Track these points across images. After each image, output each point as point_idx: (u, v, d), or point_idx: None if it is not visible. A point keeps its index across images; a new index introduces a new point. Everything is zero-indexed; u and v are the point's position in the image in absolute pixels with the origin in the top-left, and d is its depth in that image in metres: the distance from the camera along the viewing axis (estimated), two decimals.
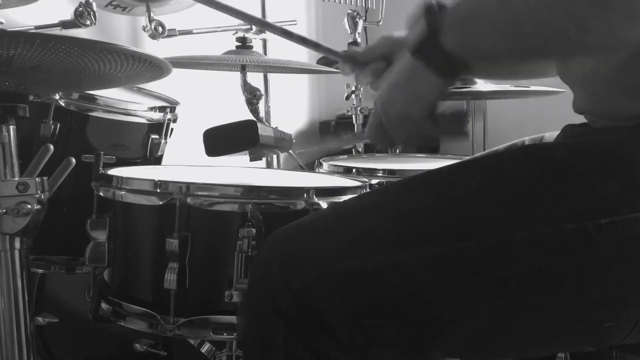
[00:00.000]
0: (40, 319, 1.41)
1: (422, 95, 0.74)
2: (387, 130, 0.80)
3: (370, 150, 2.34)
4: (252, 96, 1.76)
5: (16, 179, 0.93)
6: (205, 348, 1.31)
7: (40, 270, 1.42)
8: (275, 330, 0.68)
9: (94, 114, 1.36)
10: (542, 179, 0.68)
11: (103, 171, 1.14)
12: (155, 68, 0.89)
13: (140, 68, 0.87)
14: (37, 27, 1.51)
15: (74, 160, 1.04)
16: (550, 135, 0.99)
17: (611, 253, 0.64)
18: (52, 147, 1.03)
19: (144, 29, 1.76)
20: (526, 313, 0.67)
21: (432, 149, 2.94)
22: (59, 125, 1.30)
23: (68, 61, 0.81)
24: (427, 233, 0.66)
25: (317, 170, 1.53)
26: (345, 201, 0.79)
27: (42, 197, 0.94)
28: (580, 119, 0.87)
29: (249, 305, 0.75)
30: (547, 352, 0.81)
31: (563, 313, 0.67)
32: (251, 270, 0.86)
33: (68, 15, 1.51)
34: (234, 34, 1.81)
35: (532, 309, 0.67)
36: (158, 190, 1.04)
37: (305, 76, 3.19)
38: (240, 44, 1.75)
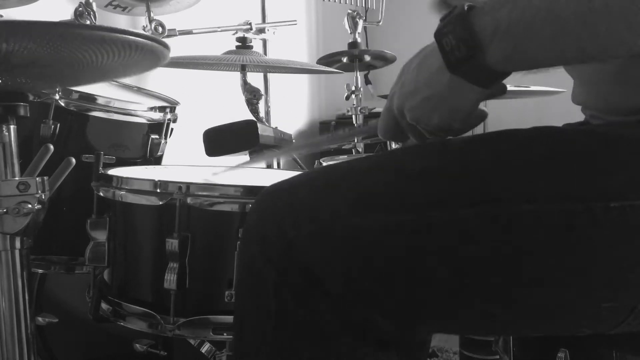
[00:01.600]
0: (40, 319, 1.41)
1: (463, 108, 0.70)
2: (406, 131, 0.77)
3: (370, 150, 2.34)
4: (252, 96, 1.76)
5: (17, 178, 0.93)
6: (205, 348, 1.31)
7: (40, 270, 1.42)
8: (266, 278, 0.67)
9: (94, 114, 1.36)
10: (554, 156, 0.67)
11: (103, 171, 1.14)
12: (151, 55, 0.88)
13: (136, 55, 0.87)
14: None
15: (74, 160, 1.04)
16: None
17: (616, 237, 0.64)
18: (52, 147, 1.03)
19: (144, 29, 1.76)
20: (524, 287, 0.67)
21: None
22: (59, 125, 1.30)
23: (65, 53, 0.81)
24: (432, 197, 0.66)
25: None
26: (350, 160, 0.78)
27: (43, 196, 0.94)
28: (579, 118, 0.87)
29: (242, 252, 0.74)
30: (542, 332, 0.80)
31: (562, 289, 0.67)
32: (247, 216, 0.85)
33: (68, 15, 1.52)
34: (234, 34, 1.81)
35: (531, 283, 0.67)
36: (158, 190, 1.04)
37: (305, 76, 3.20)
38: (240, 44, 1.75)
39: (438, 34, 0.67)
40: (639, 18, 0.56)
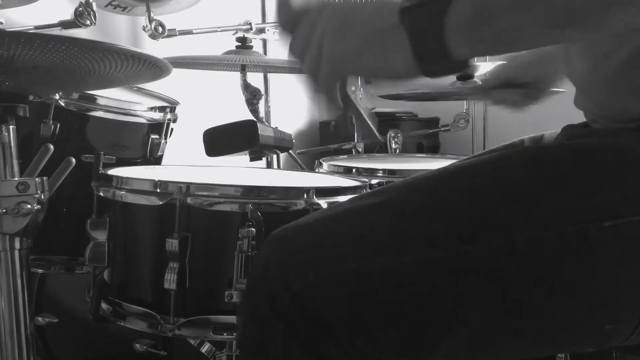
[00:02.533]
0: (40, 319, 1.41)
1: (378, 64, 0.62)
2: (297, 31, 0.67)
3: (370, 150, 2.34)
4: (252, 96, 1.76)
5: (16, 179, 0.93)
6: (205, 348, 1.31)
7: (40, 270, 1.42)
8: (274, 331, 0.68)
9: (94, 114, 1.36)
10: (545, 181, 0.67)
11: (103, 171, 1.14)
12: (155, 68, 0.89)
13: (140, 68, 0.88)
14: (37, 27, 1.51)
15: (74, 160, 1.04)
16: (550, 134, 0.99)
17: (614, 256, 0.64)
18: (52, 147, 1.03)
19: (144, 29, 1.76)
20: (528, 315, 0.67)
21: (432, 149, 2.94)
22: (59, 125, 1.30)
23: (68, 61, 0.81)
24: (429, 235, 0.66)
25: (317, 170, 1.53)
26: (346, 201, 0.79)
27: (42, 197, 0.94)
28: (579, 119, 0.87)
29: (248, 305, 0.75)
30: (547, 353, 0.80)
31: (565, 315, 0.67)
32: (250, 270, 0.85)
33: (68, 15, 1.52)
34: (234, 34, 1.81)
35: (533, 311, 0.67)
36: (158, 190, 1.04)
37: (305, 76, 3.19)
38: (240, 44, 1.75)
39: None
40: None
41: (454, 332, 0.68)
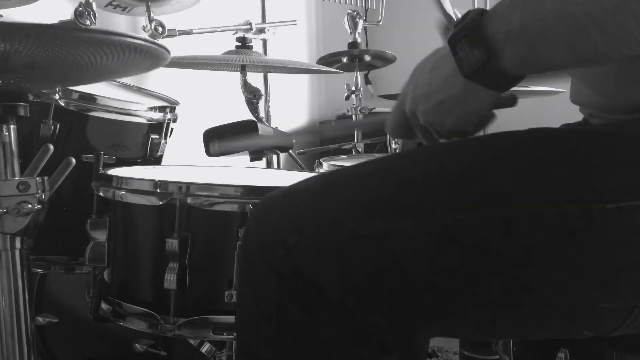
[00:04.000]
0: (40, 319, 1.41)
1: (478, 111, 0.72)
2: (416, 132, 0.78)
3: (370, 150, 2.34)
4: (252, 96, 1.76)
5: (17, 178, 0.93)
6: (205, 348, 1.31)
7: (40, 270, 1.42)
8: (267, 285, 0.68)
9: (94, 114, 1.36)
10: (550, 159, 0.67)
11: (103, 171, 1.14)
12: (151, 57, 0.88)
13: (136, 57, 0.87)
14: None
15: (74, 160, 1.04)
16: None
17: (613, 238, 0.64)
18: (52, 147, 1.03)
19: (144, 29, 1.76)
20: (522, 290, 0.67)
21: None
22: (59, 125, 1.30)
23: (64, 55, 0.81)
24: (429, 202, 0.66)
25: (317, 170, 1.53)
26: (347, 166, 0.79)
27: (43, 196, 0.94)
28: (579, 117, 0.86)
29: (243, 259, 0.74)
30: (543, 335, 0.80)
31: (560, 292, 0.67)
32: (247, 223, 0.85)
33: (68, 15, 1.52)
34: (234, 34, 1.81)
35: (528, 286, 0.67)
36: (158, 190, 1.04)
37: (305, 76, 3.19)
38: (240, 44, 1.75)
39: (452, 40, 0.67)
40: None
41: (444, 307, 0.67)
